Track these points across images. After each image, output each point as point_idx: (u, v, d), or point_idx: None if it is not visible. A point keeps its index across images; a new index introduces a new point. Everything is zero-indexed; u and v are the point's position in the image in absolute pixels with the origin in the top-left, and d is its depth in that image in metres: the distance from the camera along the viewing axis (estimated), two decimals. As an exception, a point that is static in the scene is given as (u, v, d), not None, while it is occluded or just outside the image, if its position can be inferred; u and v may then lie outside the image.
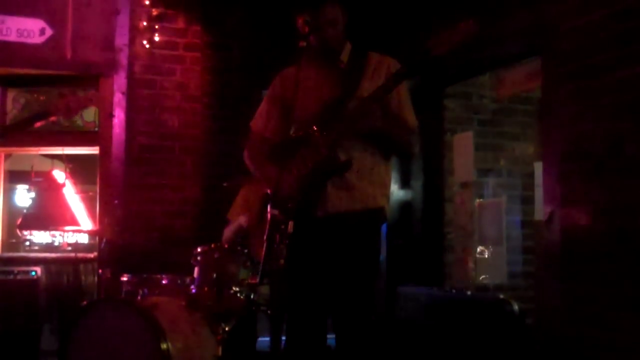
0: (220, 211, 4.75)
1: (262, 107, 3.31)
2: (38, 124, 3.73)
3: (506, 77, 5.48)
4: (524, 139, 5.79)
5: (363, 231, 3.02)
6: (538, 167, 4.83)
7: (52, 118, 3.78)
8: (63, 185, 5.56)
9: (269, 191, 2.90)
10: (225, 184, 4.01)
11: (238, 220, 4.49)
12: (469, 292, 4.38)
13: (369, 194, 3.04)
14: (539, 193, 4.79)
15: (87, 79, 5.54)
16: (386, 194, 3.16)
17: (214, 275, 3.81)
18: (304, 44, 2.89)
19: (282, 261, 2.97)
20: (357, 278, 2.98)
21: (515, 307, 3.47)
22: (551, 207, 4.08)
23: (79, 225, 5.47)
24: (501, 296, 4.05)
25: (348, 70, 3.10)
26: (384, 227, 3.30)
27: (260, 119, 3.30)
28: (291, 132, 3.16)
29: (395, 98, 3.04)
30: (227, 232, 4.57)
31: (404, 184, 5.63)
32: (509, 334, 3.42)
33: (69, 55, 5.33)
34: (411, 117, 3.13)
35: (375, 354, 3.04)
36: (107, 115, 5.40)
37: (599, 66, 3.80)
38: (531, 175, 5.46)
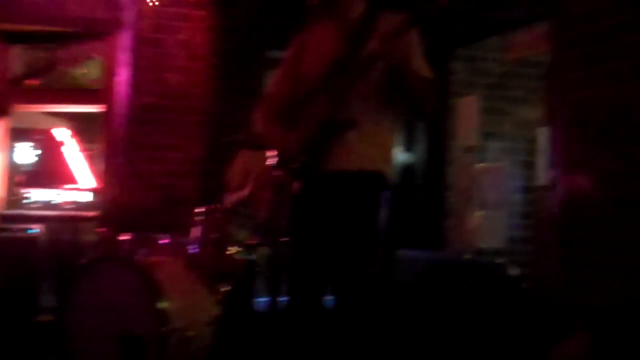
0: (223, 172, 4.72)
1: (277, 70, 3.28)
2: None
3: (514, 40, 5.40)
4: (529, 104, 5.73)
5: (357, 192, 2.99)
6: (541, 133, 4.80)
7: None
8: (63, 143, 5.57)
9: (272, 152, 2.88)
10: (224, 140, 4.01)
11: (238, 194, 4.44)
12: (466, 256, 4.39)
13: (367, 156, 3.00)
14: (541, 158, 4.76)
15: (92, 36, 5.50)
16: (387, 159, 3.10)
17: (214, 235, 3.83)
18: (315, 2, 2.82)
19: (282, 222, 2.97)
20: (349, 239, 2.96)
21: (512, 271, 3.47)
22: (555, 173, 4.06)
23: (79, 184, 5.48)
24: (498, 260, 4.05)
25: (357, 28, 3.04)
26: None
27: (274, 82, 3.27)
28: (299, 92, 3.13)
29: (401, 48, 2.94)
30: (228, 203, 4.54)
31: (407, 147, 5.59)
32: (505, 297, 3.43)
33: (73, 12, 5.29)
34: (423, 68, 2.99)
35: (372, 317, 3.03)
36: (111, 74, 5.37)
37: (608, 31, 3.76)
38: (534, 140, 5.42)
